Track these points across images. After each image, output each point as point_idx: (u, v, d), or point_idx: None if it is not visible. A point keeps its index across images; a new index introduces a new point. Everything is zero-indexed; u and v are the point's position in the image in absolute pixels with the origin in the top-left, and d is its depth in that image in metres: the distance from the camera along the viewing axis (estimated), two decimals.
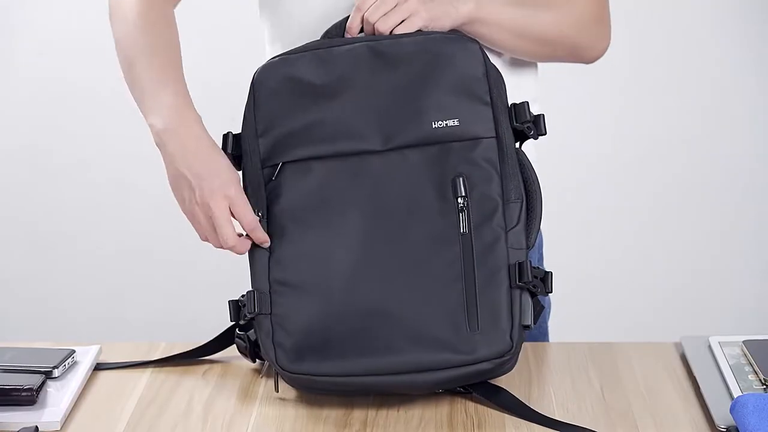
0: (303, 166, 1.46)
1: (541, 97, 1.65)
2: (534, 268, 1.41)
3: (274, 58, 1.48)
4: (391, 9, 1.46)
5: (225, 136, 1.50)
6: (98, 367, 1.54)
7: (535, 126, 1.46)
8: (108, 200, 2.98)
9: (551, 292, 1.44)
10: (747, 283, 3.01)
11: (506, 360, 1.39)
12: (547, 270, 1.44)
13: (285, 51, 1.49)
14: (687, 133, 2.95)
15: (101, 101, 2.93)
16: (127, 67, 1.52)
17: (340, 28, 1.50)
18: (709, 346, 1.54)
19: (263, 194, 1.46)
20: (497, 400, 1.42)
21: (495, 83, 1.45)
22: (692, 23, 2.91)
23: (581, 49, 1.59)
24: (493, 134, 1.44)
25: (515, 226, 1.42)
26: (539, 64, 1.65)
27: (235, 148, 1.49)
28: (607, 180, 2.99)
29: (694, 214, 2.99)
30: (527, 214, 1.45)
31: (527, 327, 1.41)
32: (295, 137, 1.46)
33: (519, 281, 1.40)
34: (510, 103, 1.46)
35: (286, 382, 1.44)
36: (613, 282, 3.02)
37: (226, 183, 1.44)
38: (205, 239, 1.47)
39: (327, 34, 1.50)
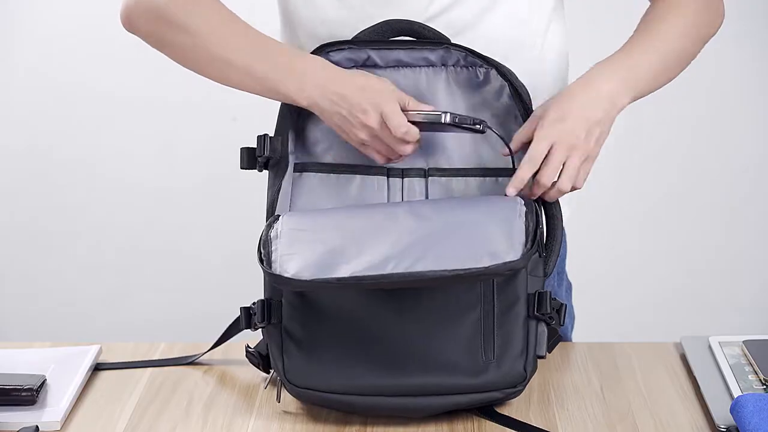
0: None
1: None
2: (552, 299, 1.40)
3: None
4: (565, 165, 1.42)
5: (261, 138, 1.49)
6: (98, 367, 1.54)
7: None
8: (108, 200, 2.98)
9: (563, 325, 1.43)
10: (747, 283, 3.01)
11: (518, 390, 1.39)
12: (563, 301, 1.43)
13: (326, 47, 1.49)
14: (687, 133, 2.95)
15: (102, 101, 2.93)
16: (224, 65, 1.48)
17: (371, 33, 1.49)
18: (709, 346, 1.54)
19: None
20: (498, 419, 1.41)
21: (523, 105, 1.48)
22: None
23: (707, 37, 1.56)
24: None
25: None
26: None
27: (271, 150, 1.49)
28: (607, 180, 2.99)
29: (694, 214, 2.99)
30: (547, 240, 1.45)
31: (541, 357, 1.40)
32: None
33: (537, 312, 1.39)
34: None
35: (290, 394, 1.42)
36: (613, 282, 3.01)
37: (388, 90, 1.44)
38: (378, 153, 1.46)
39: (357, 38, 1.49)
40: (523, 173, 1.42)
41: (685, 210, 2.99)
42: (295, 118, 1.50)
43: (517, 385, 1.38)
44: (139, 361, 1.55)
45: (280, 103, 1.51)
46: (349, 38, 1.50)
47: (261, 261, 1.37)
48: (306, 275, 1.33)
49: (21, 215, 3.00)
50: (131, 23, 1.51)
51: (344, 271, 1.32)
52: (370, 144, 1.44)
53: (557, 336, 1.44)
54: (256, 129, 1.56)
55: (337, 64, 1.48)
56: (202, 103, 2.92)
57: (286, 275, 1.34)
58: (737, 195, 2.97)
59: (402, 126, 1.42)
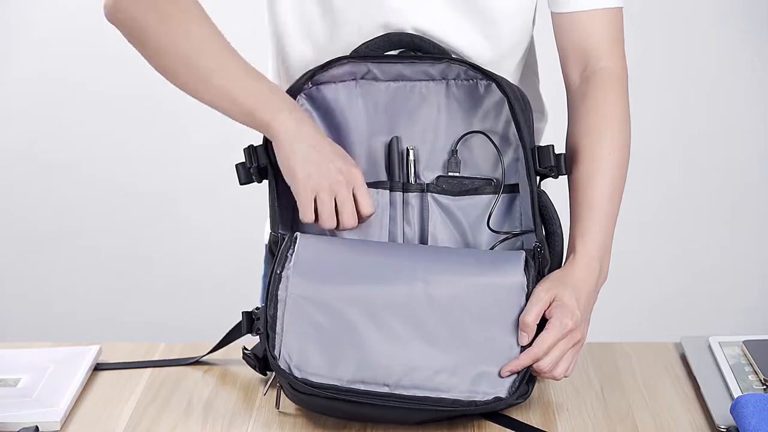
0: None
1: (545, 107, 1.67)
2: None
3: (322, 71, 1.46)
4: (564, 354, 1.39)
5: (247, 150, 1.47)
6: (98, 367, 1.54)
7: (557, 168, 1.48)
8: (108, 200, 2.98)
9: None
10: (747, 283, 3.01)
11: (518, 402, 1.38)
12: None
13: (326, 62, 1.46)
14: (686, 134, 2.95)
15: (101, 101, 2.93)
16: (204, 71, 1.49)
17: (371, 46, 1.47)
18: (709, 346, 1.54)
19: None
20: (497, 419, 1.41)
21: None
22: (693, 23, 2.91)
23: (626, 167, 1.72)
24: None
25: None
26: (539, 73, 1.65)
27: (261, 158, 1.46)
28: None
29: (694, 215, 2.99)
30: (550, 253, 1.45)
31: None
32: None
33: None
34: (535, 145, 1.47)
35: (290, 399, 1.41)
36: (613, 282, 3.01)
37: (354, 171, 1.42)
38: (317, 221, 1.42)
39: (356, 52, 1.48)
40: (524, 362, 1.36)
41: (686, 210, 2.99)
42: None
43: (519, 398, 1.37)
44: (139, 362, 1.55)
45: None
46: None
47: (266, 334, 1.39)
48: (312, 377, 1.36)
49: (21, 215, 3.00)
50: (118, 8, 1.52)
51: (346, 371, 1.35)
52: (325, 196, 1.40)
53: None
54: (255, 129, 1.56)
55: (338, 78, 1.46)
56: (201, 105, 2.92)
57: (296, 375, 1.36)
58: (737, 195, 2.98)
59: (370, 207, 1.42)
